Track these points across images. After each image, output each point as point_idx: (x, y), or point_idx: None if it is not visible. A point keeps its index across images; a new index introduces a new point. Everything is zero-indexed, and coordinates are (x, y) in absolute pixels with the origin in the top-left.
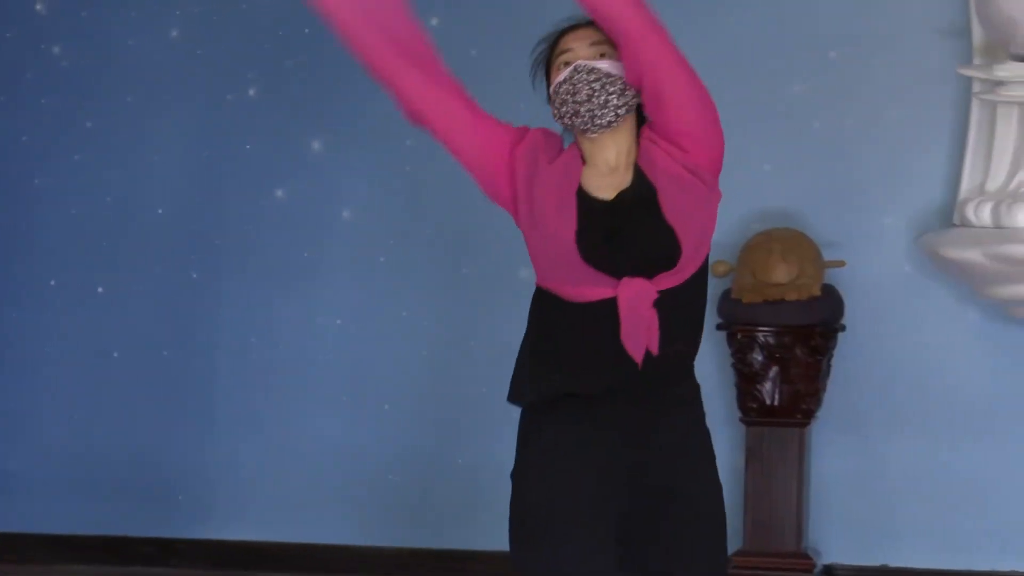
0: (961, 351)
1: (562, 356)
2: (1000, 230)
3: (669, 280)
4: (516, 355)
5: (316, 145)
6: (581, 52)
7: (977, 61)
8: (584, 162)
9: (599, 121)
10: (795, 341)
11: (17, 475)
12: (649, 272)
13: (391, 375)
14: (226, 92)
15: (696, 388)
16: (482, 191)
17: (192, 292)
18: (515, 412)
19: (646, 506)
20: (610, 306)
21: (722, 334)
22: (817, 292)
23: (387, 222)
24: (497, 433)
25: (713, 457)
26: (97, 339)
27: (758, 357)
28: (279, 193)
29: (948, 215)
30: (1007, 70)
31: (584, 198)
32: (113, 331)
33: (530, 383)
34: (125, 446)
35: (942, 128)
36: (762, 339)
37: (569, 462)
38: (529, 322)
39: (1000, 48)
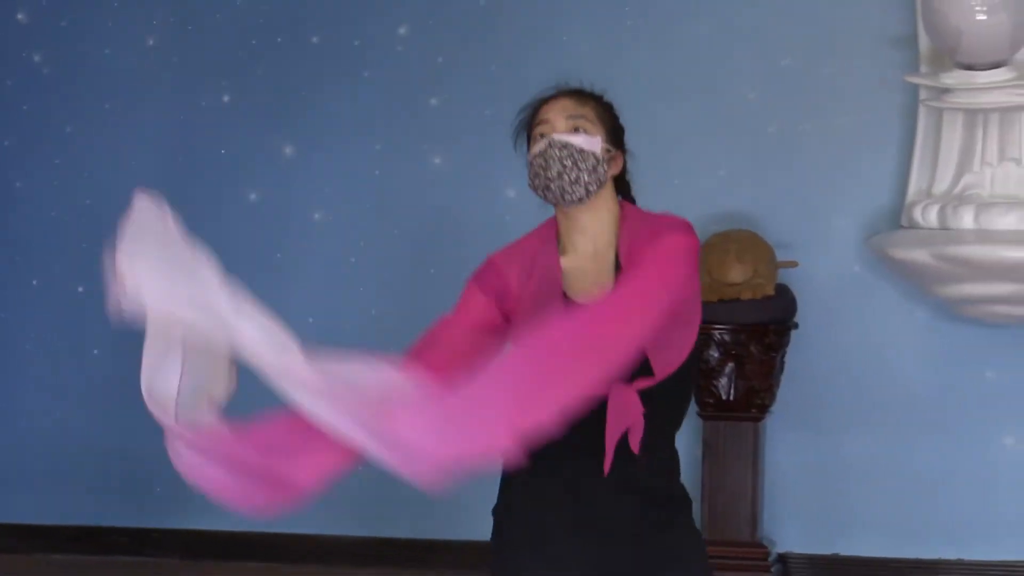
0: (909, 348)
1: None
2: (946, 231)
3: (648, 382)
4: None
5: (288, 150)
6: (557, 124)
7: (924, 69)
8: (563, 251)
9: (569, 197)
10: (750, 338)
11: (3, 473)
12: (629, 379)
13: None
14: (201, 98)
15: (675, 454)
16: None
17: None
18: None
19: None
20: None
21: None
22: (771, 291)
23: (357, 224)
24: None
25: (690, 506)
26: (77, 337)
27: (714, 354)
28: (252, 196)
29: (896, 217)
30: (953, 78)
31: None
32: (92, 329)
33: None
34: (104, 439)
35: (891, 133)
36: (718, 336)
37: (550, 505)
38: None
39: (946, 57)
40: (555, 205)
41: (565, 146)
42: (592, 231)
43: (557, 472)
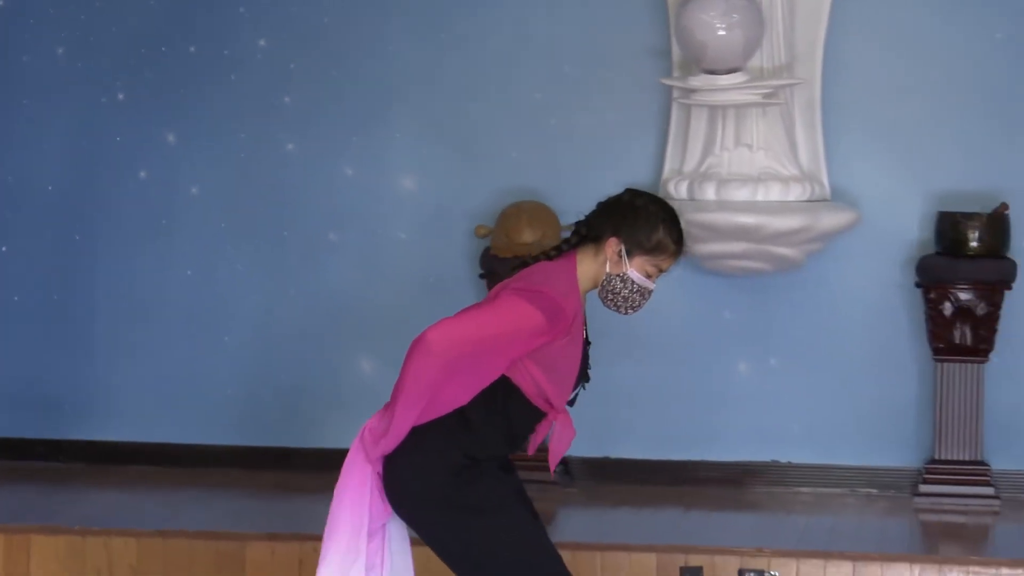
0: (666, 295)
1: (514, 434)
2: (694, 202)
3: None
4: (335, 305)
5: (171, 137)
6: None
7: (676, 74)
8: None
9: (622, 314)
10: None
11: None
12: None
13: (230, 314)
14: (100, 96)
15: None
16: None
17: (75, 250)
18: (319, 343)
19: None
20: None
21: (483, 282)
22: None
23: (226, 196)
24: (310, 360)
25: None
26: (3, 287)
27: None
28: (142, 174)
29: (655, 190)
30: (699, 81)
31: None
32: (14, 280)
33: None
34: (23, 368)
35: (650, 124)
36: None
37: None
38: (490, 406)
39: (693, 64)
40: (611, 310)
41: (651, 294)
42: None
43: (509, 448)
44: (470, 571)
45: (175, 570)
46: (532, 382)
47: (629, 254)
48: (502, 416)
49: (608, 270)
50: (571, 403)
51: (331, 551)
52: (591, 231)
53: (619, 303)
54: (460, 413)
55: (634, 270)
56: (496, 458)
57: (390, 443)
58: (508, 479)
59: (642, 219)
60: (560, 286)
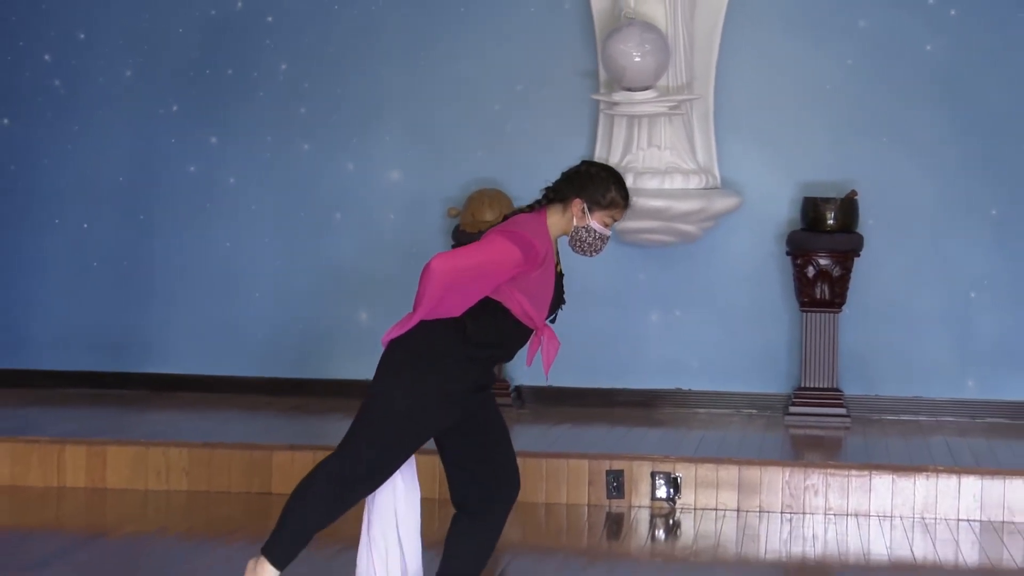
0: (597, 261)
1: (503, 344)
2: None
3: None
4: (339, 269)
5: (213, 140)
6: (613, 225)
7: (603, 91)
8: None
9: (588, 256)
10: None
11: (35, 337)
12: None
13: (259, 276)
14: (159, 108)
15: None
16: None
17: (140, 227)
18: (327, 298)
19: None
20: (528, 331)
21: None
22: None
23: (256, 186)
24: (320, 311)
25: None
26: (85, 255)
27: None
28: (191, 168)
29: None
30: (620, 97)
31: (556, 274)
32: (93, 250)
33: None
34: (99, 317)
35: (582, 130)
36: None
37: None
38: (481, 320)
39: (615, 83)
40: (579, 254)
41: (609, 239)
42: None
43: (496, 357)
44: (361, 412)
45: (218, 472)
46: (518, 304)
47: (590, 210)
48: (495, 330)
49: (575, 223)
50: (553, 320)
51: None
52: (557, 194)
53: (586, 248)
54: (460, 323)
55: (595, 222)
56: (478, 365)
57: (401, 330)
58: (455, 398)
59: (597, 183)
60: (532, 230)
